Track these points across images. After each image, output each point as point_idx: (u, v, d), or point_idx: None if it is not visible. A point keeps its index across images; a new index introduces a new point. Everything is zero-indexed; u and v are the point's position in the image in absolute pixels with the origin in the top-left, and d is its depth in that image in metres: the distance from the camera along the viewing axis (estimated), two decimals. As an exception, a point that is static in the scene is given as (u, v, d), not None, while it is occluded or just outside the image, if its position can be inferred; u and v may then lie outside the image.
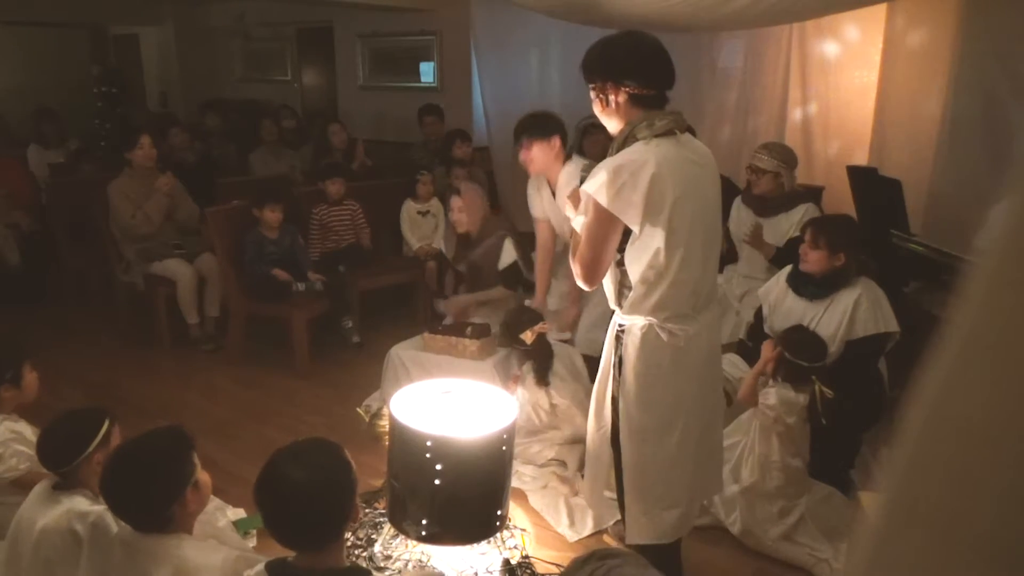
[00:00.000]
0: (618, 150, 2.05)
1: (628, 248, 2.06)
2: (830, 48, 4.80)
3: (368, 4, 6.50)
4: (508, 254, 3.74)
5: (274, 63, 8.33)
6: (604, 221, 2.02)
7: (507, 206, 5.87)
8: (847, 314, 2.86)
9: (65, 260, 5.39)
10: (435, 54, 6.73)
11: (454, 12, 6.32)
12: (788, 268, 3.11)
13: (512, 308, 3.43)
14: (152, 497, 1.72)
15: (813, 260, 2.93)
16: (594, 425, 2.39)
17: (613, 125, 2.11)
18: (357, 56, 7.32)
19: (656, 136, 1.99)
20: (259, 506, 1.61)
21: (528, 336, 3.13)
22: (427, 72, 6.86)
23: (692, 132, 2.16)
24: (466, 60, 6.36)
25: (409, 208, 5.08)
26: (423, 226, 5.09)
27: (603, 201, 1.97)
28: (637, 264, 2.05)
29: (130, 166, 4.55)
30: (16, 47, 8.75)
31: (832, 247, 2.88)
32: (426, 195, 5.05)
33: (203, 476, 1.84)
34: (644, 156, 1.97)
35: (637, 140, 2.01)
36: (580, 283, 2.17)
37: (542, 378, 3.17)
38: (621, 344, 2.18)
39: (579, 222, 2.17)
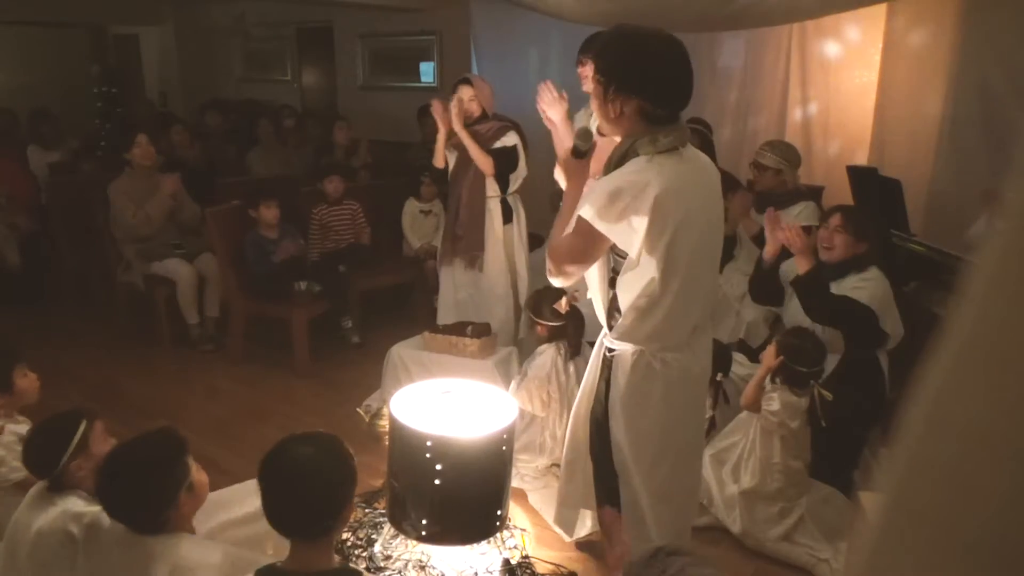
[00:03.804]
0: (616, 165, 1.92)
1: (621, 275, 1.96)
2: (830, 48, 4.80)
3: (368, 4, 6.50)
4: (510, 139, 3.78)
5: (274, 63, 8.33)
6: (594, 239, 1.90)
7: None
8: (853, 292, 2.91)
9: (65, 260, 5.38)
10: (435, 54, 6.73)
11: (454, 12, 6.32)
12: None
13: (535, 290, 3.36)
14: (146, 502, 1.73)
15: (839, 244, 2.96)
16: (570, 445, 2.34)
17: (609, 128, 1.96)
18: (357, 56, 7.32)
19: (659, 153, 1.84)
20: (262, 483, 1.60)
21: (563, 304, 3.04)
22: (427, 72, 6.86)
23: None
24: (466, 60, 6.36)
25: (412, 207, 5.09)
26: (424, 225, 5.09)
27: (603, 229, 1.84)
28: (629, 292, 1.94)
29: (130, 166, 4.56)
30: (16, 47, 8.75)
31: (858, 234, 2.94)
32: (429, 195, 5.05)
33: (199, 477, 1.84)
34: (646, 177, 1.82)
35: (639, 155, 1.86)
36: (550, 277, 2.05)
37: (578, 348, 3.11)
38: (608, 368, 2.08)
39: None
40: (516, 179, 3.85)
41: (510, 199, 3.88)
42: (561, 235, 2.02)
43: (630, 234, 1.84)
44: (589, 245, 1.93)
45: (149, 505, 1.73)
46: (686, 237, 1.86)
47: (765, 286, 3.23)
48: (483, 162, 3.74)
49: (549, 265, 2.03)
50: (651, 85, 1.85)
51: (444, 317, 3.94)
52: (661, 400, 2.01)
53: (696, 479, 2.34)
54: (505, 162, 3.78)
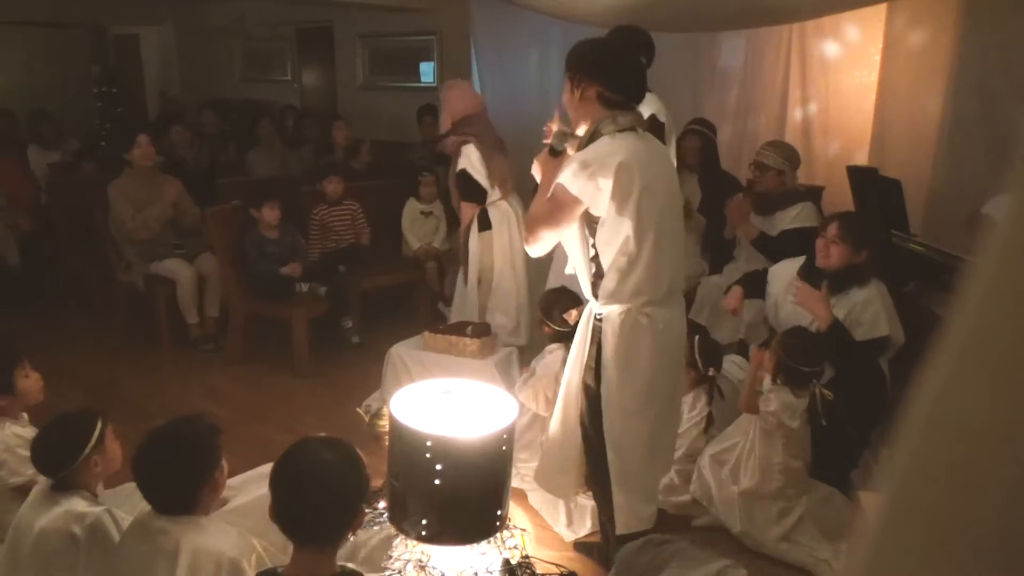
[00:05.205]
0: (584, 146, 2.19)
1: (598, 235, 2.18)
2: (830, 48, 4.80)
3: (368, 4, 6.50)
4: (462, 160, 3.70)
5: (274, 63, 8.32)
6: (567, 204, 2.16)
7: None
8: (852, 313, 2.86)
9: (65, 260, 5.38)
10: (435, 54, 6.73)
11: (454, 12, 6.31)
12: (801, 261, 3.07)
13: (550, 289, 3.34)
14: (187, 479, 1.80)
15: (835, 255, 2.88)
16: (561, 414, 2.47)
17: (576, 116, 2.25)
18: (357, 56, 7.32)
19: (620, 131, 2.14)
20: (276, 484, 1.60)
21: (572, 316, 3.07)
22: (427, 72, 6.86)
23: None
24: (466, 60, 6.35)
25: (412, 208, 5.08)
26: (424, 226, 5.09)
27: (574, 190, 2.12)
28: (608, 251, 2.17)
29: (130, 166, 4.55)
30: (16, 47, 8.75)
31: (858, 244, 2.87)
32: (429, 196, 5.05)
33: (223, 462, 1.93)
34: (610, 149, 2.11)
35: (602, 135, 2.15)
36: (527, 245, 2.33)
37: None
38: (599, 332, 2.25)
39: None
40: (491, 192, 3.79)
41: (493, 208, 3.83)
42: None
43: (598, 195, 2.11)
44: (562, 209, 2.18)
45: (189, 483, 1.79)
46: (651, 198, 2.12)
47: (757, 285, 3.23)
48: (466, 214, 3.81)
49: (525, 233, 2.32)
50: (608, 71, 2.19)
51: (456, 313, 4.00)
52: (649, 350, 2.23)
53: (673, 438, 2.57)
54: (466, 190, 3.76)
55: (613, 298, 2.21)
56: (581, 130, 2.27)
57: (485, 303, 3.89)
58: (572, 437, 2.46)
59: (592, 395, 2.29)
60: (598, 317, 2.26)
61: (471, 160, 3.69)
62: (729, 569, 1.32)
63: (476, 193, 3.76)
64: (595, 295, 2.27)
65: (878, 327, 2.85)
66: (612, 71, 2.19)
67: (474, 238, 3.83)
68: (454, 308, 4.08)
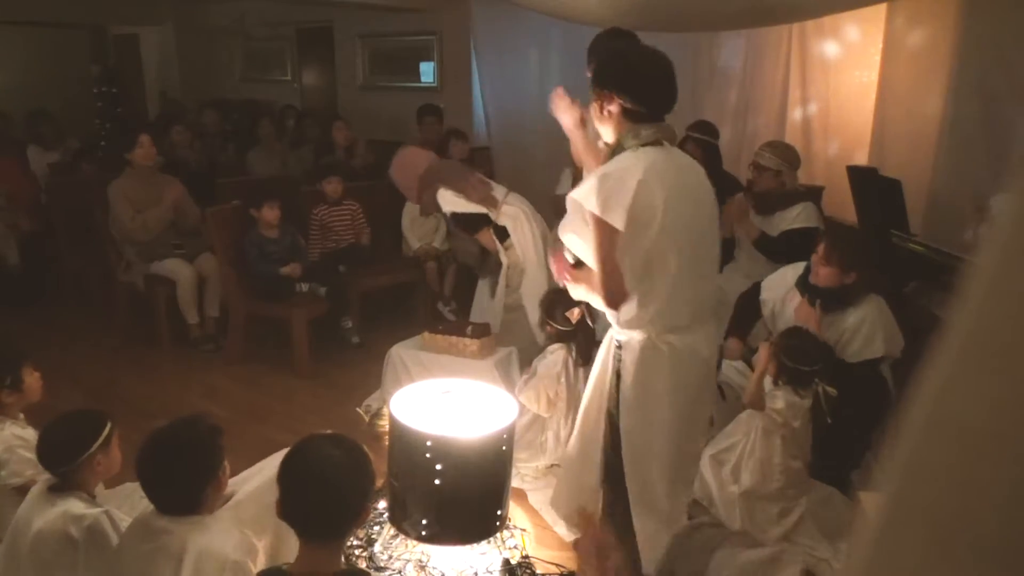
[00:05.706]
0: (607, 161, 2.10)
1: (619, 250, 2.04)
2: (830, 48, 4.80)
3: (368, 4, 6.51)
4: (444, 205, 3.79)
5: (274, 63, 8.33)
6: (605, 232, 2.00)
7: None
8: (846, 333, 2.85)
9: (65, 260, 5.38)
10: (435, 54, 6.73)
11: (454, 12, 6.32)
12: (800, 271, 3.07)
13: (549, 289, 3.34)
14: (190, 480, 1.80)
15: (824, 275, 2.86)
16: (578, 441, 2.40)
17: (606, 133, 2.14)
18: (357, 56, 7.33)
19: (643, 145, 2.03)
20: (284, 481, 1.60)
21: (574, 314, 3.05)
22: (427, 72, 6.86)
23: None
24: (466, 60, 6.36)
25: (412, 208, 5.07)
26: (424, 226, 5.09)
27: (594, 208, 1.97)
28: (627, 272, 2.03)
29: (130, 166, 4.55)
30: (16, 47, 8.75)
31: (844, 265, 2.82)
32: (427, 195, 5.04)
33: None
34: (629, 163, 2.00)
35: (625, 150, 2.05)
36: (607, 309, 2.12)
37: (587, 358, 3.06)
38: (619, 360, 2.16)
39: (571, 240, 2.17)
40: (488, 211, 3.82)
41: (502, 218, 3.84)
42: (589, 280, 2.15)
43: (618, 210, 1.96)
44: (604, 239, 2.00)
45: (191, 484, 1.80)
46: (674, 218, 1.98)
47: (751, 314, 3.23)
48: (485, 241, 3.86)
49: (598, 299, 2.11)
50: (631, 83, 2.05)
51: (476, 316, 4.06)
52: (668, 380, 2.11)
53: (695, 467, 2.46)
54: (468, 224, 3.84)
55: (633, 324, 2.09)
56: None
57: (516, 302, 3.92)
58: (590, 465, 2.39)
59: (615, 424, 2.22)
60: (618, 344, 2.17)
61: (450, 200, 3.79)
62: (785, 554, 1.33)
63: (478, 221, 3.83)
64: (616, 319, 2.16)
65: (873, 348, 2.83)
66: (631, 82, 2.06)
67: (501, 252, 3.88)
68: (472, 315, 4.11)
